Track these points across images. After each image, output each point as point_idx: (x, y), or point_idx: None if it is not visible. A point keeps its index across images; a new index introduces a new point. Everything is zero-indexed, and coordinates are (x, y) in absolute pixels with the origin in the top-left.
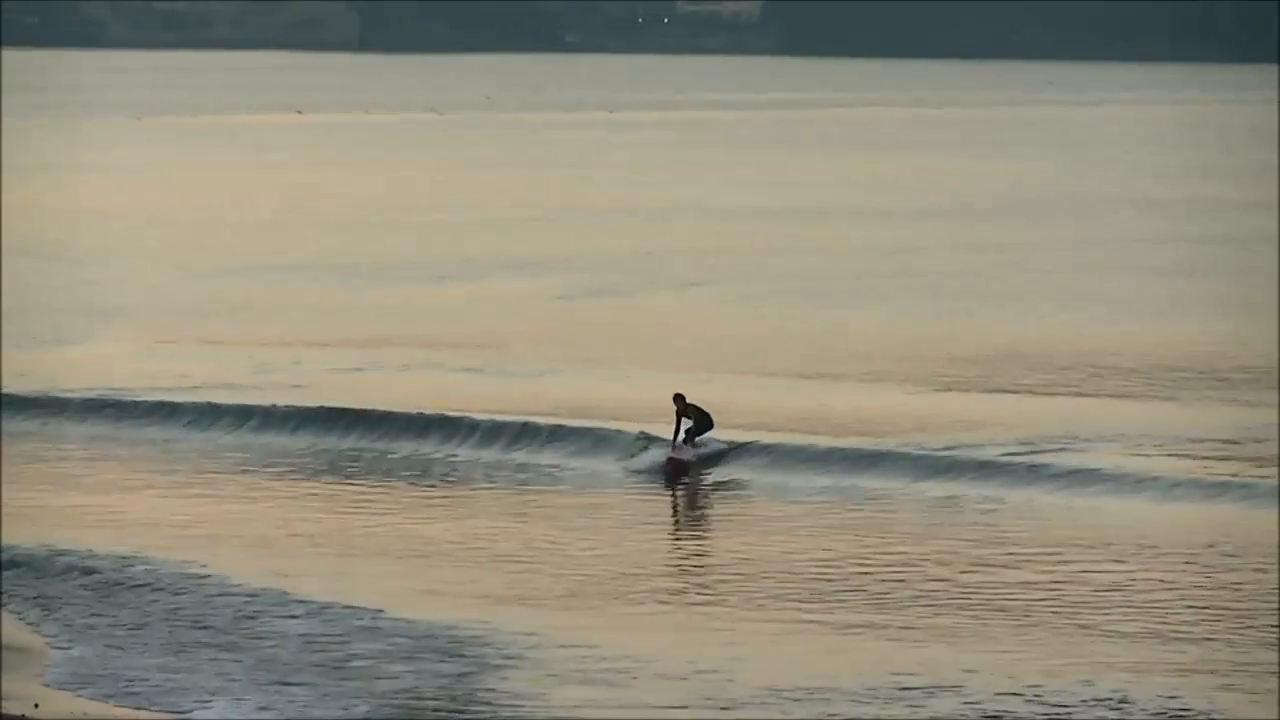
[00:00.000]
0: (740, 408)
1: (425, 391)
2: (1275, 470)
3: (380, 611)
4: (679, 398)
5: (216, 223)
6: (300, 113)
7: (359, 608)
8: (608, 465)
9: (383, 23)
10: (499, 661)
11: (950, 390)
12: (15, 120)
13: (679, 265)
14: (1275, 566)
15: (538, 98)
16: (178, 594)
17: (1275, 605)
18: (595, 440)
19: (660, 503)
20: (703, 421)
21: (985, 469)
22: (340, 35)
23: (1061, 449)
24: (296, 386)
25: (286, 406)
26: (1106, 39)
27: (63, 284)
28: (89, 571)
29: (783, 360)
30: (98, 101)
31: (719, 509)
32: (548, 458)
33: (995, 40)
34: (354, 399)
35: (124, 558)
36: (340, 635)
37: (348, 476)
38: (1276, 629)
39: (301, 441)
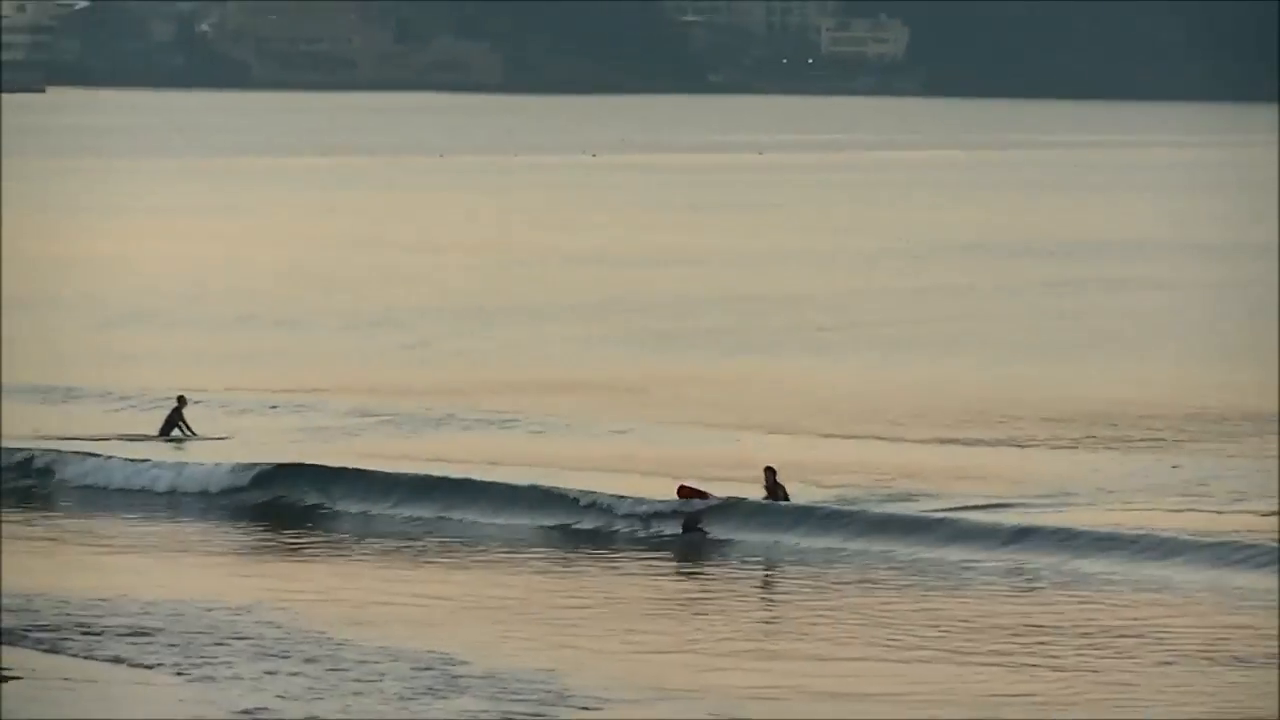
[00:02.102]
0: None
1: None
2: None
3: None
4: (770, 471)
5: (350, 266)
6: (441, 155)
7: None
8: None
9: (527, 64)
10: None
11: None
12: (167, 160)
13: (820, 311)
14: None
15: (685, 139)
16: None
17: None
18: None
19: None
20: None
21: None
22: (484, 76)
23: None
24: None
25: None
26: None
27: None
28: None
29: (939, 409)
30: (243, 142)
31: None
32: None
33: (1151, 82)
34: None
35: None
36: None
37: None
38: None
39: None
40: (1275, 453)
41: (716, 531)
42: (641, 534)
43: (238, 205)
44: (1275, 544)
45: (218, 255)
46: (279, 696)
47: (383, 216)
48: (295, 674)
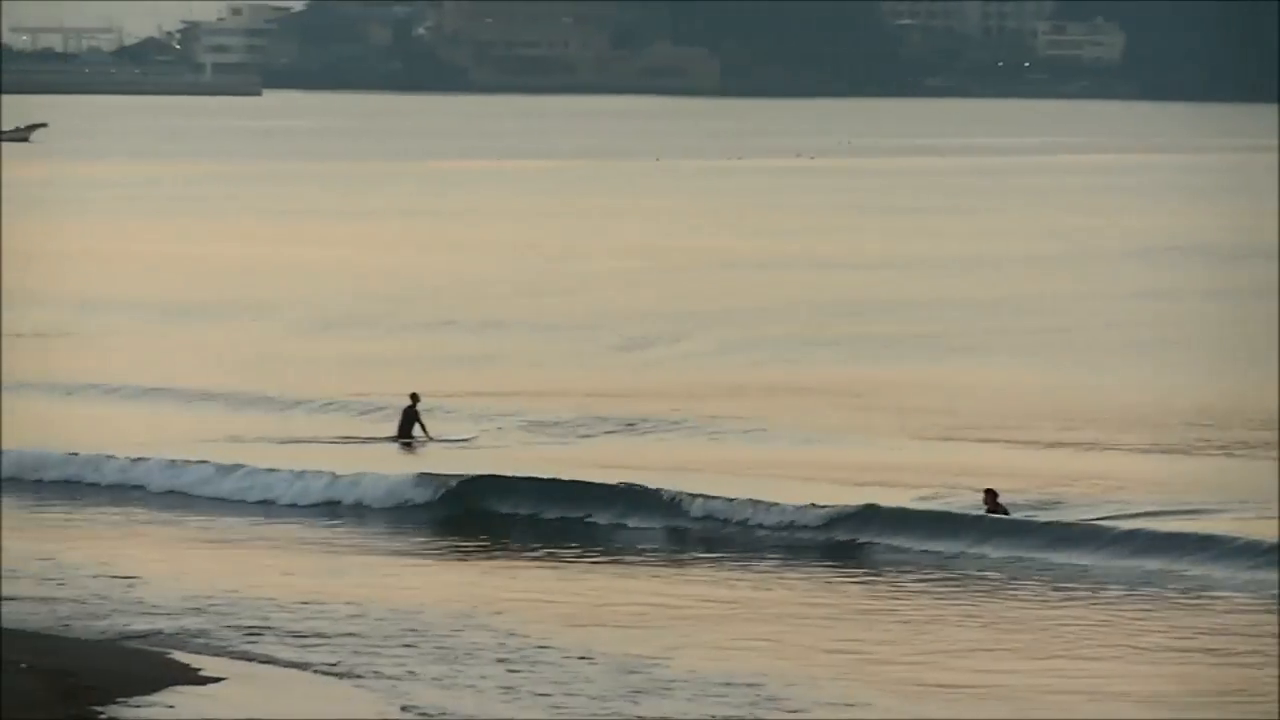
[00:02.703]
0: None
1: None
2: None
3: None
4: (990, 494)
5: (564, 269)
6: (658, 159)
7: None
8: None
9: (742, 68)
10: None
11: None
12: (383, 164)
13: (1032, 315)
14: None
15: (900, 143)
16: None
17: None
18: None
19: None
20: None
21: None
22: (700, 81)
23: None
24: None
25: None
26: None
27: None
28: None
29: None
30: (461, 146)
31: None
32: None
33: None
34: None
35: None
36: None
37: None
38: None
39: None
40: None
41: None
42: (842, 539)
43: (454, 209)
44: None
45: (432, 259)
46: (501, 700)
47: (598, 220)
48: (500, 675)
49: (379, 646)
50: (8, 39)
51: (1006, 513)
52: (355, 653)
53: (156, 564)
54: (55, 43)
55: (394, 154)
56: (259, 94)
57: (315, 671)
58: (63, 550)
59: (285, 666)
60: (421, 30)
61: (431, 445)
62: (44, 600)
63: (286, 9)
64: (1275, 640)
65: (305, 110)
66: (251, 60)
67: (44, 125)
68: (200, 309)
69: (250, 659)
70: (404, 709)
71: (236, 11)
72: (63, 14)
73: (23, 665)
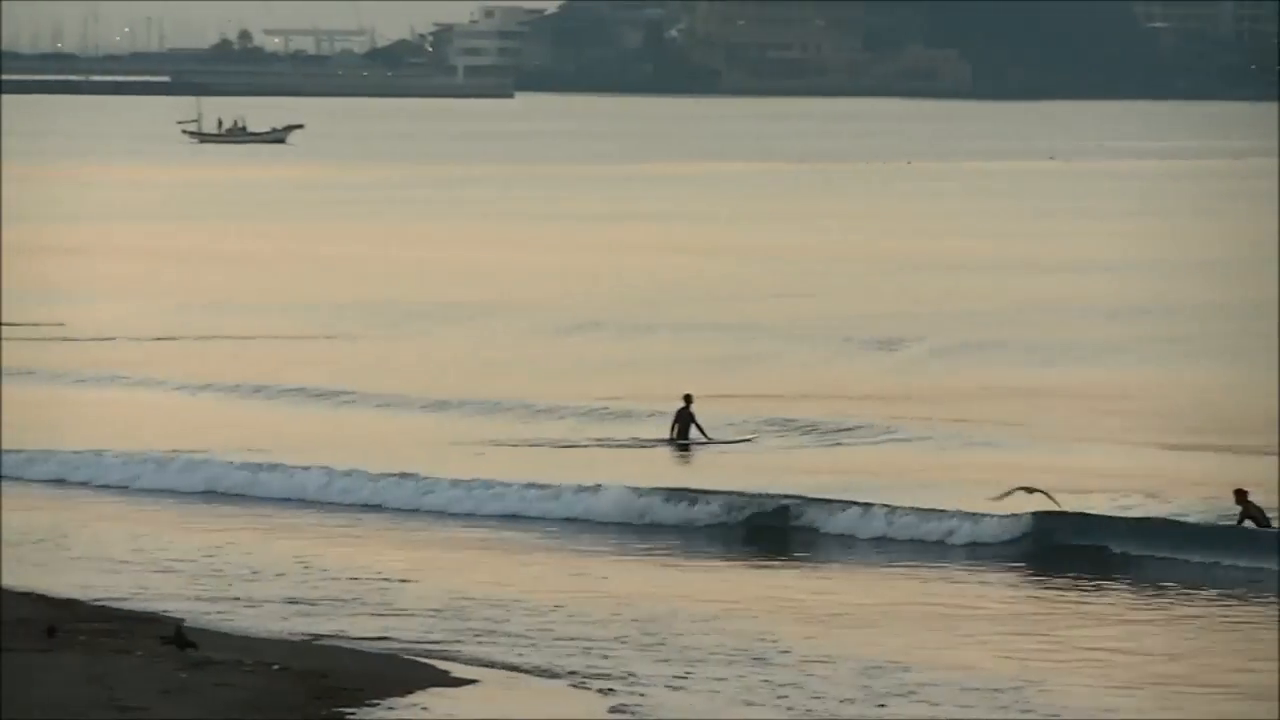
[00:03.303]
0: None
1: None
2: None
3: None
4: (1240, 493)
5: (815, 273)
6: (909, 162)
7: None
8: None
9: (994, 70)
10: None
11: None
12: (631, 165)
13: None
14: None
15: (1152, 145)
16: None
17: None
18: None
19: None
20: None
21: None
22: (952, 83)
23: None
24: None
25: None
26: None
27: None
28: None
29: None
30: (710, 149)
31: None
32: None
33: None
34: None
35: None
36: None
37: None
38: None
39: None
40: None
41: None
42: (1084, 545)
43: (702, 212)
44: None
45: (680, 261)
46: (745, 702)
47: (848, 222)
48: (751, 677)
49: (631, 652)
50: (261, 40)
51: (1262, 512)
52: (604, 656)
53: (416, 570)
54: (308, 45)
55: (645, 157)
56: (511, 96)
57: (568, 675)
58: (317, 555)
59: (536, 674)
60: (674, 33)
61: (712, 448)
62: (291, 602)
63: (539, 11)
64: None
65: (557, 113)
66: (504, 63)
67: (300, 127)
68: (453, 312)
69: (501, 664)
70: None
71: (489, 14)
72: (315, 16)
73: (275, 666)
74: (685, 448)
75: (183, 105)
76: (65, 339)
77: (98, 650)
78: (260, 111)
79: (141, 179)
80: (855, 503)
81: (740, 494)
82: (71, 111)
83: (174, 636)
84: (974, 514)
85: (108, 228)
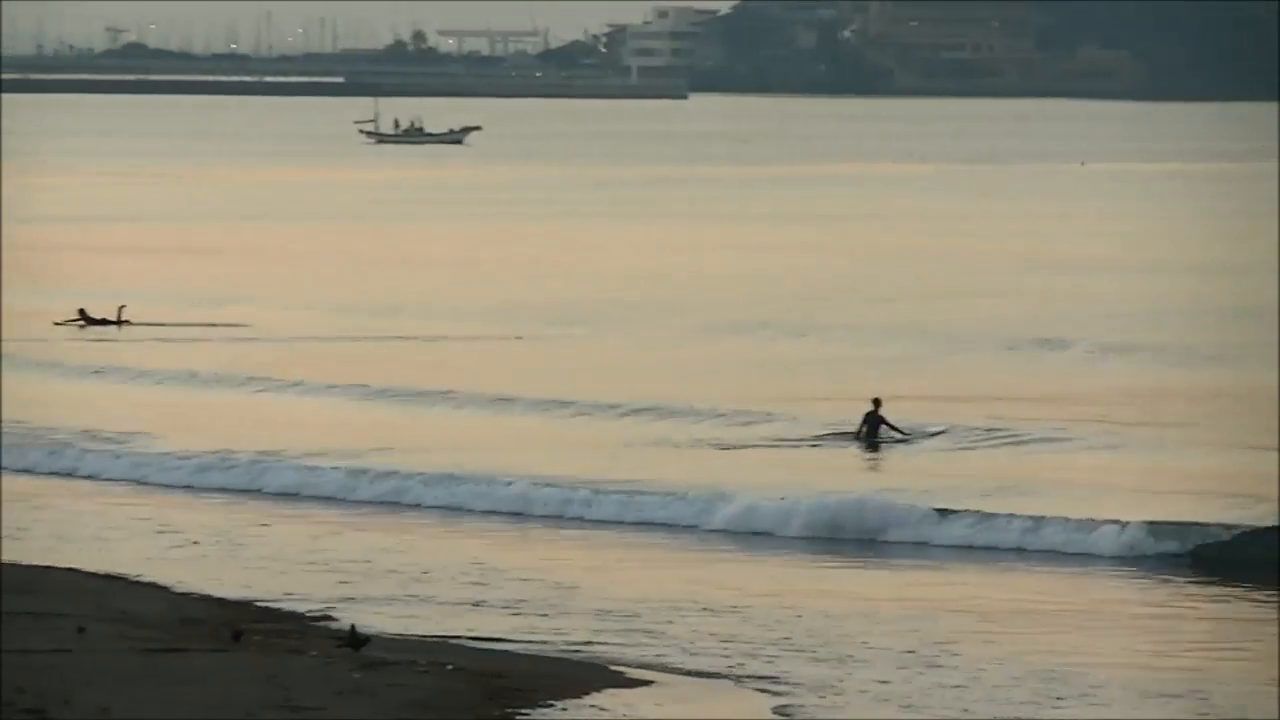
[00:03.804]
0: None
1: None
2: None
3: None
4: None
5: (991, 275)
6: (1083, 163)
7: None
8: None
9: (1170, 70)
10: None
11: None
12: (804, 165)
13: None
14: None
15: None
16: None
17: None
18: None
19: None
20: None
21: None
22: (1126, 84)
23: None
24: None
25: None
26: None
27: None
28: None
29: None
30: (881, 149)
31: None
32: None
33: None
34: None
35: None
36: None
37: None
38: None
39: None
40: None
41: None
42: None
43: (871, 213)
44: None
45: (842, 262)
46: (910, 705)
47: (1025, 224)
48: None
49: (796, 654)
50: (435, 40)
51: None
52: (769, 660)
53: (588, 574)
54: (481, 46)
55: (816, 158)
56: (684, 98)
57: (741, 679)
58: (490, 558)
59: (706, 675)
60: (846, 33)
61: (905, 446)
62: (464, 604)
63: (713, 12)
64: None
65: (730, 114)
66: (677, 63)
67: (478, 128)
68: (631, 313)
69: (674, 668)
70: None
71: (663, 14)
72: (490, 17)
73: (449, 667)
74: (875, 447)
75: (360, 106)
76: (248, 339)
77: (272, 651)
78: (435, 112)
79: (321, 180)
80: (1022, 516)
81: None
82: (246, 112)
83: (348, 637)
84: (1153, 522)
85: (288, 228)
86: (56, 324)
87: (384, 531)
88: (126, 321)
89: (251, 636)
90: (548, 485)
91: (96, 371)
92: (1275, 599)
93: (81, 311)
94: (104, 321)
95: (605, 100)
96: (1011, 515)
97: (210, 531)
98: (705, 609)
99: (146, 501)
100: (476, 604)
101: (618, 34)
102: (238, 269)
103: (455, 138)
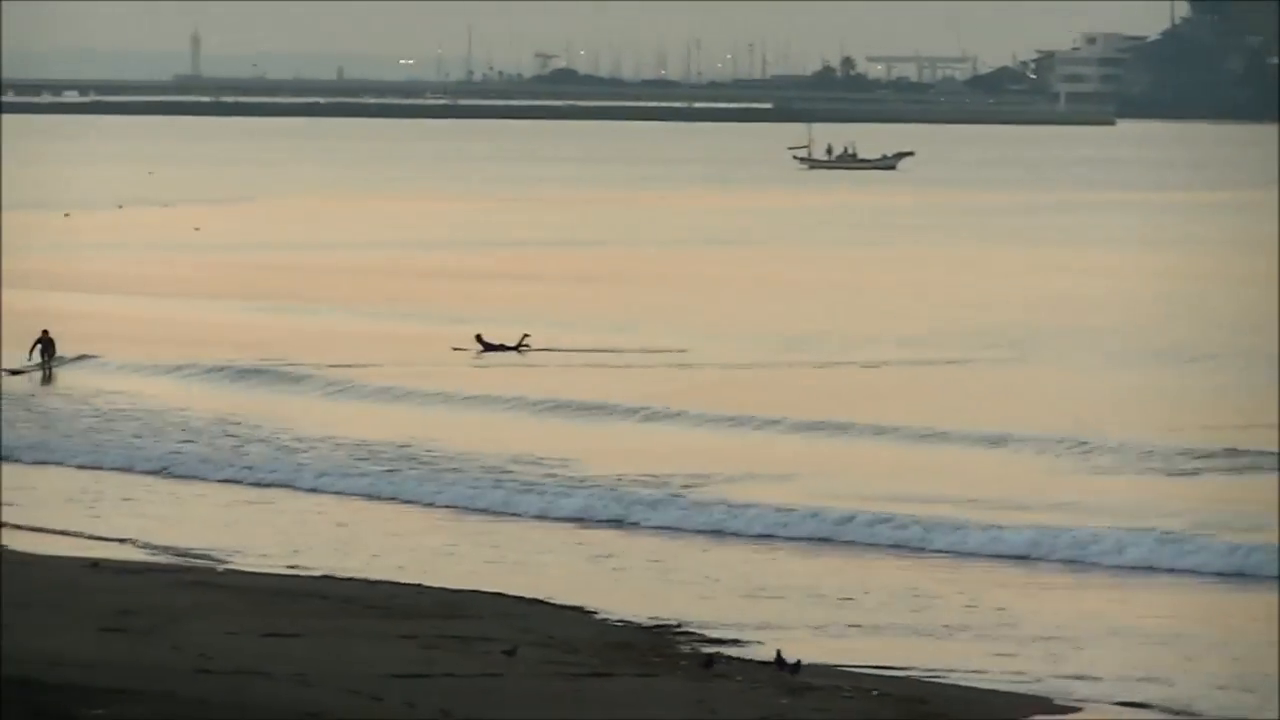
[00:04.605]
0: None
1: None
2: None
3: None
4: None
5: None
6: None
7: None
8: None
9: None
10: None
11: None
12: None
13: None
14: None
15: None
16: None
17: None
18: None
19: None
20: None
21: None
22: None
23: None
24: None
25: None
26: None
27: None
28: None
29: None
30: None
31: None
32: None
33: None
34: None
35: None
36: None
37: None
38: None
39: None
40: None
41: None
42: None
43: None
44: None
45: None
46: None
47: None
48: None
49: (1213, 685)
50: (863, 66)
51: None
52: (1202, 694)
53: (1019, 604)
54: (909, 72)
55: (1239, 184)
56: (1112, 123)
57: (1175, 712)
58: (922, 585)
59: (1138, 707)
60: (1275, 59)
61: None
62: (890, 630)
63: (1141, 38)
64: None
65: (1159, 140)
66: (1105, 90)
67: (911, 154)
68: (1063, 341)
69: (1101, 698)
70: None
71: (1091, 40)
72: (919, 43)
73: (874, 692)
74: None
75: (788, 131)
76: (682, 365)
77: (698, 675)
78: (865, 138)
79: (754, 205)
80: None
81: None
82: (675, 137)
83: (775, 661)
84: None
85: (730, 253)
86: (455, 349)
87: (818, 559)
88: (527, 347)
89: (678, 661)
90: (1060, 529)
91: (490, 398)
92: None
93: (479, 337)
94: (502, 347)
95: (1033, 126)
96: None
97: (640, 557)
98: (1141, 639)
99: (579, 530)
100: (910, 630)
101: (1046, 60)
102: (674, 296)
103: (888, 163)
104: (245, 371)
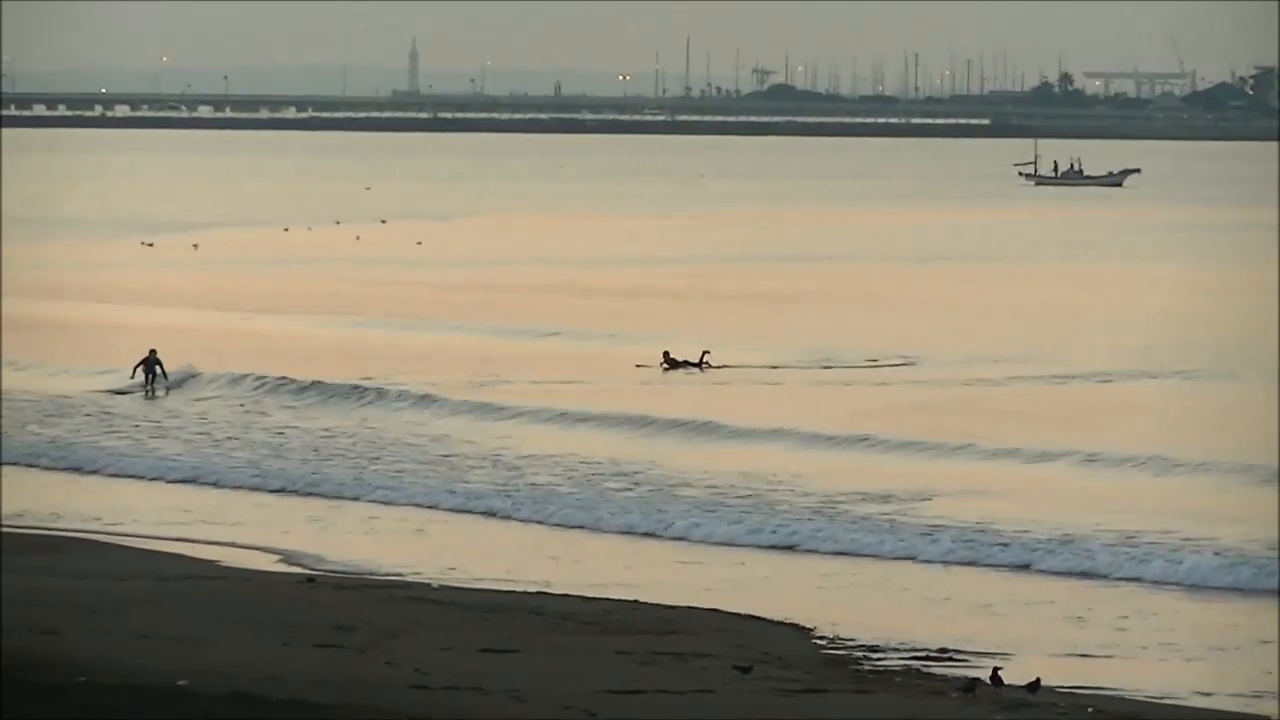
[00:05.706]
0: None
1: None
2: None
3: None
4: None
5: None
6: None
7: None
8: None
9: None
10: None
11: None
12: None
13: None
14: None
15: None
16: None
17: None
18: None
19: None
20: None
21: None
22: None
23: None
24: None
25: None
26: None
27: None
28: None
29: None
30: None
31: None
32: None
33: None
34: None
35: None
36: None
37: None
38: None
39: None
40: None
41: None
42: None
43: None
44: None
45: None
46: None
47: None
48: None
49: None
50: (1081, 82)
51: None
52: None
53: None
54: (1128, 88)
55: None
56: None
57: None
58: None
59: None
60: None
61: None
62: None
63: None
64: None
65: None
66: None
67: (1137, 170)
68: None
69: None
70: None
71: None
72: (1137, 59)
73: (1089, 709)
74: None
75: (1006, 147)
76: (916, 381)
77: (914, 692)
78: (1085, 154)
79: (984, 221)
80: None
81: None
82: (896, 154)
83: (991, 679)
84: None
85: (950, 269)
86: (638, 366)
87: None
88: (709, 365)
89: (892, 677)
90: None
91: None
92: None
93: (666, 354)
94: (686, 364)
95: (1253, 142)
96: None
97: (865, 578)
98: None
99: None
100: (1142, 656)
101: (1265, 76)
102: (908, 308)
103: (1115, 180)
104: (455, 402)
